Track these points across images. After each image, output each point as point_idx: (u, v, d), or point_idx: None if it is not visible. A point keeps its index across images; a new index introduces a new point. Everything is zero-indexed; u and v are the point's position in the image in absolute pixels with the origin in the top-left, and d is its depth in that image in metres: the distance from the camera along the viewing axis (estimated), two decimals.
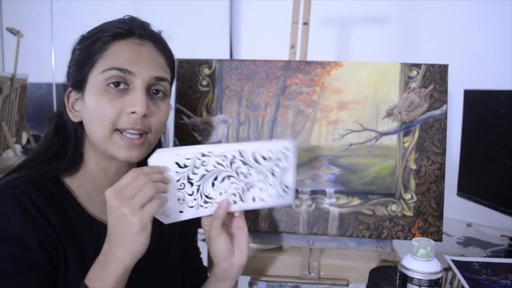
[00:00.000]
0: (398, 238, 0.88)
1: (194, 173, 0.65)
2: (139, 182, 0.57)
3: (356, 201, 0.89)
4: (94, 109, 0.66)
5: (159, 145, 0.80)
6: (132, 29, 0.68)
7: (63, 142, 0.71)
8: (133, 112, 0.65)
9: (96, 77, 0.66)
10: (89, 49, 0.67)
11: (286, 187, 0.72)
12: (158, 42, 0.72)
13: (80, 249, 0.65)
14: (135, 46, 0.68)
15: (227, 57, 2.09)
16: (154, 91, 0.69)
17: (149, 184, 0.57)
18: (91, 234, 0.67)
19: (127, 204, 0.55)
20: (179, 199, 0.64)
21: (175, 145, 0.93)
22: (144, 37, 0.69)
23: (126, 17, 0.70)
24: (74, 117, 0.70)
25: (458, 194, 1.32)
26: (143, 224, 0.55)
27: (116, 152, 0.67)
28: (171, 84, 0.75)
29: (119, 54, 0.66)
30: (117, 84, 0.65)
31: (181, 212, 0.65)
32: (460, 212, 1.38)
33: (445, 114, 0.87)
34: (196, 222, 0.72)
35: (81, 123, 0.70)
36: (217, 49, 2.12)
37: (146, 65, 0.67)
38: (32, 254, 0.60)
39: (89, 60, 0.67)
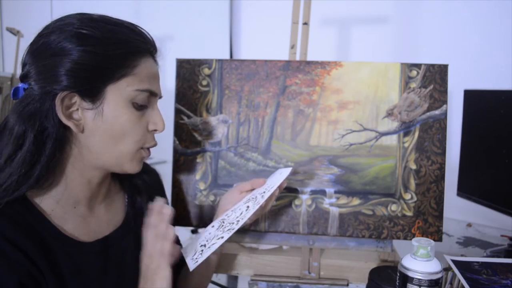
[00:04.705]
0: (398, 238, 0.88)
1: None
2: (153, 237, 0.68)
3: (356, 201, 0.89)
4: (121, 125, 0.65)
5: None
6: (152, 47, 0.69)
7: (36, 154, 0.61)
8: (155, 130, 0.70)
9: (123, 92, 0.64)
10: (115, 59, 0.63)
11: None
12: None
13: (59, 272, 0.63)
14: (154, 66, 0.70)
15: (227, 57, 2.08)
16: None
17: (162, 240, 0.66)
18: (68, 254, 0.65)
19: (151, 258, 0.66)
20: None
21: (174, 145, 0.93)
22: (155, 57, 0.71)
23: (133, 24, 0.68)
24: (75, 127, 0.63)
25: (458, 194, 1.32)
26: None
27: (131, 165, 0.69)
28: None
29: (148, 74, 0.67)
30: (142, 102, 0.67)
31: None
32: (460, 212, 1.38)
33: (445, 114, 0.87)
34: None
35: (69, 132, 0.64)
36: (217, 49, 2.11)
37: (159, 86, 0.71)
38: None
39: (114, 71, 0.63)
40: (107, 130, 0.64)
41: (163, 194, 0.87)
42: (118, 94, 0.64)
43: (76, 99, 0.62)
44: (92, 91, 0.62)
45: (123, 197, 0.79)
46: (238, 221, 0.73)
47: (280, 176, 0.79)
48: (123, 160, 0.68)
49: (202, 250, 0.70)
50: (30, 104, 0.61)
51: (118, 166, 0.69)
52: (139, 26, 0.69)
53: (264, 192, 0.76)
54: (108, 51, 0.62)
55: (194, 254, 0.70)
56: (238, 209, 0.77)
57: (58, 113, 0.61)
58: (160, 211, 0.68)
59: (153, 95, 0.69)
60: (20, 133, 0.60)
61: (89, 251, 0.68)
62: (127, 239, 0.75)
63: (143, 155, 0.70)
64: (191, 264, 0.69)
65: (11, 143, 0.61)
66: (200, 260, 0.68)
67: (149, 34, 0.69)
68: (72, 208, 0.68)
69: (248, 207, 0.76)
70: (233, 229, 0.71)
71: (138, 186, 0.80)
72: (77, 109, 0.63)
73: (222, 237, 0.70)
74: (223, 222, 0.76)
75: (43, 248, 0.61)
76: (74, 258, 0.65)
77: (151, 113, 0.69)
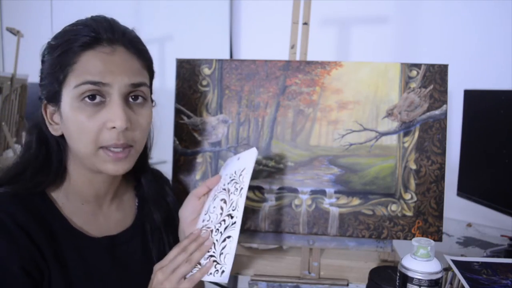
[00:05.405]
0: (398, 238, 0.88)
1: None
2: (180, 259, 0.65)
3: (356, 201, 0.89)
4: (74, 125, 0.64)
5: (144, 149, 0.76)
6: (100, 35, 0.64)
7: (46, 155, 0.68)
8: (114, 127, 0.64)
9: (70, 92, 0.63)
10: (58, 61, 0.64)
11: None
12: (129, 44, 0.67)
13: (63, 263, 0.64)
14: (105, 55, 0.64)
15: (227, 57, 2.08)
16: (132, 97, 0.67)
17: (186, 264, 0.65)
18: (75, 246, 0.67)
19: (169, 280, 0.63)
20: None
21: (174, 145, 0.93)
22: (114, 42, 0.65)
23: (92, 18, 0.66)
24: (54, 131, 0.68)
25: (458, 194, 1.32)
26: None
27: (103, 167, 0.65)
28: (151, 85, 0.72)
29: (90, 66, 0.63)
30: (92, 97, 0.63)
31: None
32: (460, 212, 1.38)
33: (445, 114, 0.87)
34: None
35: (62, 135, 0.68)
36: (217, 49, 2.12)
37: (120, 74, 0.64)
38: (15, 281, 0.59)
39: (60, 73, 0.64)
40: (67, 130, 0.66)
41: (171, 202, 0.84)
42: (68, 94, 0.64)
43: (50, 105, 0.67)
44: (53, 96, 0.66)
45: (134, 200, 0.80)
46: (229, 214, 0.68)
47: (247, 156, 0.74)
48: (90, 161, 0.65)
49: (215, 262, 0.66)
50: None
51: (93, 166, 0.66)
52: (99, 18, 0.66)
53: (236, 182, 0.71)
54: (54, 55, 0.64)
55: (212, 270, 0.66)
56: (211, 209, 0.73)
57: (45, 119, 0.68)
58: (201, 242, 0.68)
59: (103, 85, 0.63)
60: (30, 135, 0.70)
61: (97, 246, 0.69)
62: (135, 243, 0.75)
63: (104, 155, 0.65)
64: (218, 278, 0.64)
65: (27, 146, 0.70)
66: (227, 269, 0.64)
67: (95, 19, 0.66)
68: (80, 205, 0.70)
69: (224, 200, 0.71)
70: (233, 223, 0.67)
71: (148, 193, 0.79)
72: (55, 114, 0.68)
73: (230, 236, 0.66)
74: (209, 228, 0.70)
75: (52, 237, 0.64)
76: (81, 251, 0.67)
77: (108, 108, 0.64)
